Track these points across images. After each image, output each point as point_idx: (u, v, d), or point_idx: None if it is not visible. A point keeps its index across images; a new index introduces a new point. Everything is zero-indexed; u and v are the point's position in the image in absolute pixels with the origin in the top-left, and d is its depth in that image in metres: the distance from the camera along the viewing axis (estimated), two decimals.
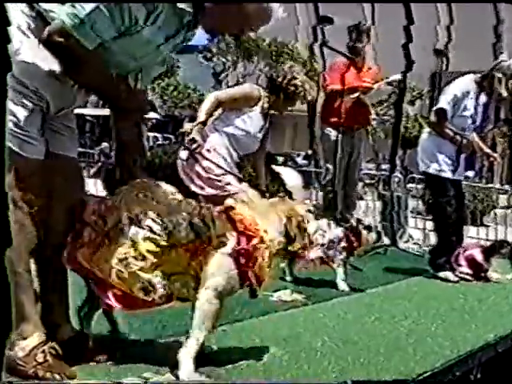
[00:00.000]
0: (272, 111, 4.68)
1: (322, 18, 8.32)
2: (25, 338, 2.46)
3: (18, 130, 2.43)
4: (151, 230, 2.57)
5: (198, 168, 4.45)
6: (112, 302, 2.64)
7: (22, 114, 2.43)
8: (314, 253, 4.50)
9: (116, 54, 2.56)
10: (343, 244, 4.47)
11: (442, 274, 5.12)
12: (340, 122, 6.30)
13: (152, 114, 21.59)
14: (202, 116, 4.44)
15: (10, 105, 2.39)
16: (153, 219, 2.57)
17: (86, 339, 2.71)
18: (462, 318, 3.95)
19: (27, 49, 2.43)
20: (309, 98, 4.67)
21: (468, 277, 5.14)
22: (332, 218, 6.23)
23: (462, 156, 5.18)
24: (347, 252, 4.49)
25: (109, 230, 2.58)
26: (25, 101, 2.44)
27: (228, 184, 4.41)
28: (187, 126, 4.91)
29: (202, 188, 4.43)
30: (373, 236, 4.51)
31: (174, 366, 2.60)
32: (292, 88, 4.58)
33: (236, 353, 2.96)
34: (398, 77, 6.42)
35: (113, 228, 2.58)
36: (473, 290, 4.79)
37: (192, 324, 2.57)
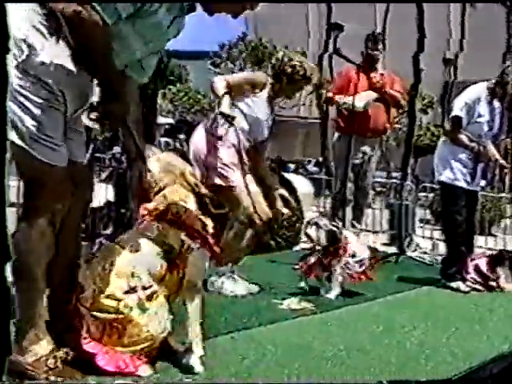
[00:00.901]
0: (279, 99, 4.58)
1: (332, 25, 8.30)
2: (33, 344, 2.44)
3: (43, 137, 2.38)
4: (144, 288, 2.65)
5: (209, 156, 4.36)
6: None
7: (45, 119, 2.38)
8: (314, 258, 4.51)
9: (129, 36, 2.55)
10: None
11: (453, 284, 5.06)
12: (353, 130, 6.25)
13: (165, 120, 21.59)
14: (221, 91, 4.31)
15: (32, 109, 2.36)
16: (137, 276, 2.67)
17: None
18: (472, 328, 3.89)
19: (46, 48, 2.38)
20: (313, 78, 4.53)
21: (478, 286, 5.08)
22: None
23: (478, 166, 5.13)
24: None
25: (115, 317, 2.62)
26: (48, 104, 2.39)
27: (233, 176, 4.32)
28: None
29: (208, 177, 4.33)
30: (320, 236, 4.42)
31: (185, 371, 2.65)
32: (290, 69, 4.46)
33: (245, 360, 2.93)
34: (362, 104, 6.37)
35: (118, 317, 2.62)
36: (483, 300, 4.73)
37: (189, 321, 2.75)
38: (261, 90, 4.46)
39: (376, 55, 6.49)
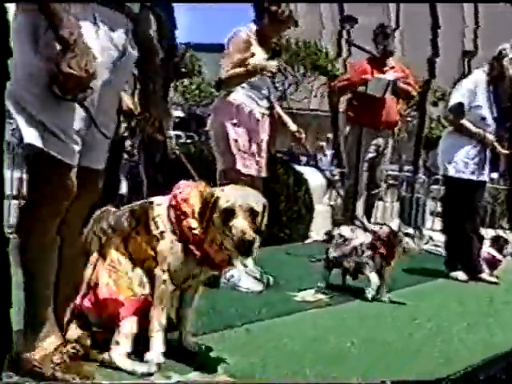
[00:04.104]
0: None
1: (346, 17, 8.28)
2: (42, 340, 2.43)
3: (54, 128, 2.32)
4: None
5: (222, 141, 4.32)
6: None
7: (58, 108, 2.31)
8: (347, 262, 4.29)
9: None
10: (369, 252, 4.18)
11: (452, 274, 5.11)
12: (364, 121, 6.24)
13: (175, 113, 21.63)
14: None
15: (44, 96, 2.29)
16: None
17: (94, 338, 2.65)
18: (486, 320, 3.89)
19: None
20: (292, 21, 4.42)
21: (486, 276, 5.10)
22: (350, 221, 6.16)
23: (486, 157, 5.14)
24: (378, 259, 4.17)
25: None
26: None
27: (244, 166, 4.27)
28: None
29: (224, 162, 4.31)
30: (410, 243, 4.18)
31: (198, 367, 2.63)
32: (274, 8, 4.31)
33: (260, 352, 2.93)
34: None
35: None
36: (498, 293, 4.73)
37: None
38: (249, 48, 4.28)
39: (390, 49, 6.45)
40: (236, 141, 4.22)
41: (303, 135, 4.94)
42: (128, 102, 3.83)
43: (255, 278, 4.23)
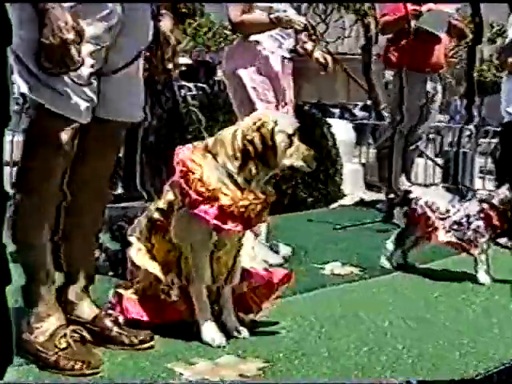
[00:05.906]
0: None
1: None
2: (41, 321, 2.42)
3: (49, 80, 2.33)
4: None
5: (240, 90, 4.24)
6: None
7: None
8: (445, 236, 3.97)
9: None
10: (480, 223, 3.90)
11: (498, 240, 5.01)
12: (409, 65, 6.03)
13: (182, 60, 21.44)
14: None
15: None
16: None
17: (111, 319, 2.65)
18: None
19: None
20: None
21: None
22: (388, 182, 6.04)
23: None
24: (490, 233, 3.90)
25: None
26: None
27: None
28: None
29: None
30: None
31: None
32: None
33: (291, 331, 2.92)
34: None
35: None
36: None
37: None
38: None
39: None
40: (255, 88, 4.14)
41: (329, 57, 4.70)
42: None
43: (270, 248, 4.16)
